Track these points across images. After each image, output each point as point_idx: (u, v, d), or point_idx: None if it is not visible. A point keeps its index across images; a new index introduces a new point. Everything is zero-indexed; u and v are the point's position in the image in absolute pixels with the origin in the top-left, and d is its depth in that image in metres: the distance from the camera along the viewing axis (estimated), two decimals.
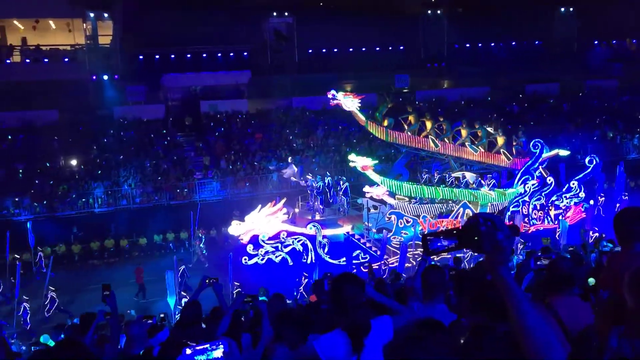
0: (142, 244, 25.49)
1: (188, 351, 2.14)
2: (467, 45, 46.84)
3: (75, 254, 24.84)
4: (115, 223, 25.90)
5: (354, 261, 20.41)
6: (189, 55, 38.02)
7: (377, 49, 44.28)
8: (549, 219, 23.31)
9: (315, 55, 42.91)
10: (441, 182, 22.60)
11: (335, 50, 43.26)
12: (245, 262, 20.39)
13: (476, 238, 2.06)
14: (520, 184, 22.80)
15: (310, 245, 21.06)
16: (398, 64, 43.03)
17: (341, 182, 23.94)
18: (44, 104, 31.92)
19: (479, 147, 22.94)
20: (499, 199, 22.87)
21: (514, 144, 24.48)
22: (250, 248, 20.60)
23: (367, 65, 41.13)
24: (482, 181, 23.15)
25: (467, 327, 3.69)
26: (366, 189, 22.27)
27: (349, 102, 22.07)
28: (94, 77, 35.16)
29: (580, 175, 24.08)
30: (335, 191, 23.98)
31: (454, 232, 2.16)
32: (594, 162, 24.04)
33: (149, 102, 35.57)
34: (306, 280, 18.07)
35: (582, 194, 23.68)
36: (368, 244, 21.53)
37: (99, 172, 28.28)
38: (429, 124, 23.11)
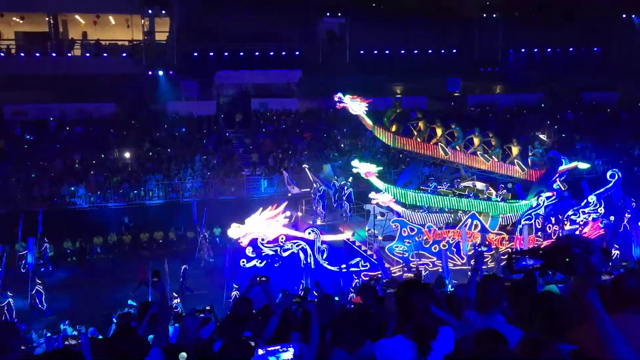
0: (190, 237, 25.92)
1: (260, 352, 2.17)
2: (523, 50, 45.79)
3: (125, 244, 25.57)
4: (165, 216, 26.45)
5: (352, 269, 20.02)
6: (242, 53, 38.42)
7: (430, 51, 43.78)
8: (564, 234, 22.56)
9: (366, 57, 42.73)
10: (449, 191, 21.97)
11: (387, 52, 42.95)
12: (244, 265, 20.03)
13: (567, 260, 2.04)
14: (534, 196, 21.98)
15: (309, 251, 20.52)
16: (450, 67, 42.42)
17: (345, 188, 23.11)
18: (101, 97, 32.93)
19: (492, 156, 22.13)
20: (510, 211, 22.12)
21: (530, 154, 23.62)
22: (249, 251, 20.13)
23: (419, 68, 40.77)
24: (494, 192, 22.40)
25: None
26: (372, 195, 21.53)
27: (356, 106, 21.60)
28: (150, 73, 36.03)
29: (601, 190, 22.81)
30: (339, 197, 23.23)
31: (540, 251, 2.16)
32: (616, 177, 22.70)
33: (201, 98, 36.19)
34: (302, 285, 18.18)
35: (601, 209, 22.49)
36: (369, 252, 20.77)
37: (151, 165, 28.98)
38: (439, 131, 22.15)
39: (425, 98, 38.63)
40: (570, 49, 46.70)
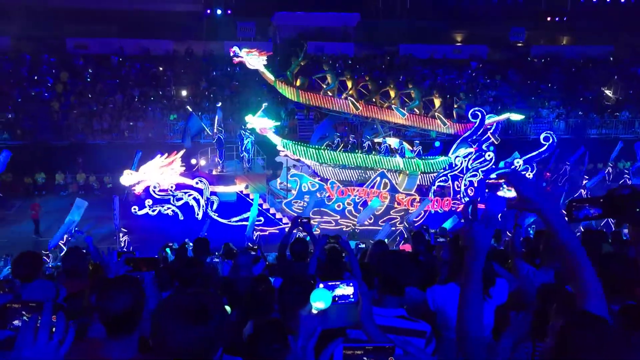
0: None
1: (321, 286, 2.20)
2: None
3: None
4: None
5: (244, 222, 18.78)
6: None
7: None
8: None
9: (427, 1, 41.34)
10: (355, 147, 20.56)
11: None
12: (135, 212, 19.27)
13: (638, 210, 1.99)
14: (453, 153, 20.65)
15: (202, 201, 19.80)
16: (514, 16, 40.60)
17: (244, 138, 21.34)
18: (160, 33, 33.19)
19: (415, 109, 20.71)
20: (424, 168, 20.66)
21: (455, 106, 22.20)
22: (147, 200, 19.37)
23: (482, 15, 39.25)
24: (410, 147, 20.79)
25: None
26: (279, 147, 20.38)
27: (254, 60, 20.20)
28: (209, 11, 35.98)
29: (533, 154, 21.25)
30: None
31: (601, 200, 2.11)
32: (550, 140, 21.19)
33: (257, 39, 36.00)
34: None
35: (529, 174, 20.58)
36: (265, 205, 19.87)
37: (207, 104, 29.32)
38: (349, 84, 20.72)
39: (487, 47, 37.37)
40: None
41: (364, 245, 14.15)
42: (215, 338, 2.00)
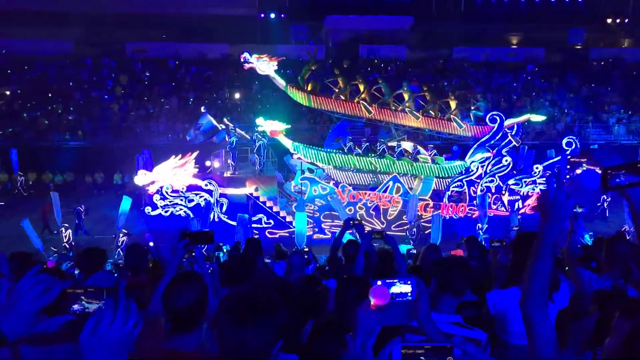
0: None
1: (379, 282, 2.21)
2: None
3: None
4: None
5: (254, 225, 18.97)
6: None
7: None
8: (502, 205, 20.08)
9: (483, 3, 40.68)
10: (368, 151, 20.05)
11: None
12: (148, 213, 19.44)
13: None
14: (469, 158, 19.84)
15: (213, 203, 19.76)
16: (573, 17, 39.48)
17: (256, 141, 21.30)
18: (216, 37, 33.86)
19: (431, 111, 20.06)
20: (439, 173, 20.00)
21: (472, 108, 21.28)
22: (157, 198, 19.46)
23: (539, 17, 38.34)
24: (425, 152, 20.17)
25: None
26: (291, 150, 20.20)
27: (264, 66, 20.13)
28: (263, 15, 36.47)
29: (555, 159, 20.42)
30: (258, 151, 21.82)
31: (639, 165, 1.99)
32: (573, 145, 20.26)
33: (310, 42, 36.26)
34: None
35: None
36: (276, 208, 19.76)
37: (259, 106, 29.69)
38: (362, 87, 20.25)
39: (544, 49, 36.44)
40: None
41: (415, 251, 14.02)
42: (271, 335, 2.04)
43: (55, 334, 1.81)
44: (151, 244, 14.95)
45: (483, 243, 10.88)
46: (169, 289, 2.76)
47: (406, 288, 2.24)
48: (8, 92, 29.71)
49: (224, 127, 22.47)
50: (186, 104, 30.01)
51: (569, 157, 20.99)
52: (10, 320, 1.73)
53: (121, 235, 17.58)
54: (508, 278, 3.97)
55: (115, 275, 6.67)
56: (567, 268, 5.25)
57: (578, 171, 21.36)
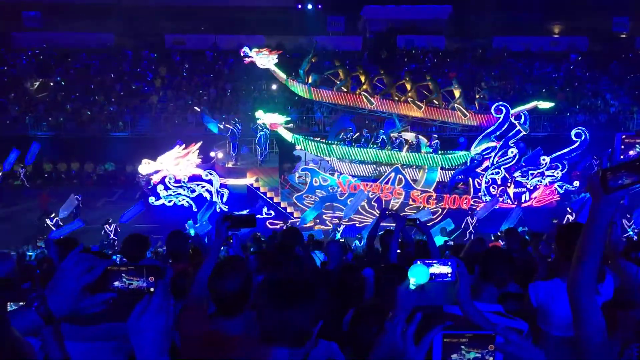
0: None
1: (419, 262, 2.21)
2: None
3: None
4: None
5: (257, 215, 18.87)
6: None
7: None
8: (508, 197, 19.50)
9: None
10: (369, 142, 19.74)
11: None
12: (152, 203, 19.59)
13: None
14: (475, 148, 19.35)
15: (214, 193, 19.79)
16: (617, 5, 38.23)
17: (258, 130, 21.01)
18: (253, 28, 34.04)
19: (435, 101, 19.48)
20: (442, 163, 19.57)
21: (477, 97, 20.62)
22: (160, 188, 19.65)
23: (581, 5, 37.25)
24: (427, 142, 19.81)
25: None
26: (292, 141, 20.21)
27: (264, 60, 20.01)
28: (299, 6, 36.48)
29: (563, 151, 19.66)
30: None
31: (638, 163, 1.90)
32: (582, 137, 19.31)
33: (347, 33, 36.13)
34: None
35: (557, 173, 19.37)
36: (276, 199, 19.83)
37: (296, 98, 29.73)
38: (362, 78, 19.82)
39: (587, 39, 35.50)
40: None
41: (452, 243, 13.93)
42: (310, 317, 2.06)
43: (94, 314, 1.86)
44: (192, 231, 15.24)
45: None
46: (216, 273, 2.83)
47: (446, 269, 2.24)
48: (52, 84, 30.50)
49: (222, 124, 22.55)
50: (224, 95, 30.27)
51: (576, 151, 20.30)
52: (55, 298, 1.77)
53: (108, 226, 17.79)
54: (550, 270, 3.93)
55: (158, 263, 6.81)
56: (609, 261, 5.16)
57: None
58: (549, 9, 37.14)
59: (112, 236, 17.54)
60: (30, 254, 15.04)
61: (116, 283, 1.81)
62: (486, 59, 34.52)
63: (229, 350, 2.44)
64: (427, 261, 2.23)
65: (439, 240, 14.29)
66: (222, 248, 5.03)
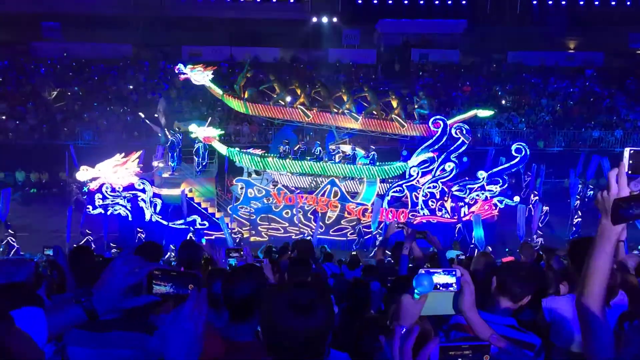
0: None
1: (422, 271, 2.22)
2: None
3: None
4: None
5: (191, 227, 18.91)
6: (406, 1, 37.69)
7: (612, 1, 39.64)
8: (446, 211, 19.27)
9: (539, 6, 39.78)
10: (304, 154, 19.71)
11: (563, 1, 39.58)
12: (89, 212, 19.18)
13: None
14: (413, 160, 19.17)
15: (148, 202, 19.50)
16: (634, 21, 38.05)
17: (197, 141, 20.28)
18: (268, 41, 34.32)
19: (374, 112, 19.47)
20: (380, 175, 19.37)
21: (415, 106, 20.46)
22: (98, 197, 19.23)
23: (598, 20, 37.16)
24: (365, 154, 19.75)
25: None
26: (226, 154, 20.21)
27: (199, 76, 19.75)
28: (314, 19, 36.73)
29: (503, 167, 19.46)
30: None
31: None
32: (523, 152, 19.04)
33: (362, 46, 36.30)
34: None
35: (496, 188, 19.10)
36: (211, 209, 19.69)
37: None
38: (299, 91, 19.94)
39: (603, 54, 35.33)
40: None
41: (464, 257, 13.84)
42: (322, 331, 2.06)
43: (107, 321, 1.87)
44: (203, 241, 15.27)
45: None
46: (228, 281, 2.86)
47: (450, 279, 2.25)
48: (69, 94, 30.89)
49: (160, 129, 22.39)
50: None
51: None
52: (100, 296, 1.83)
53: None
54: (558, 285, 3.91)
55: None
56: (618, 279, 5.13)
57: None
58: (564, 24, 37.05)
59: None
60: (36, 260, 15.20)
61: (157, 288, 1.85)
62: (501, 74, 34.47)
63: (240, 356, 2.45)
64: (431, 270, 2.24)
65: (452, 254, 14.24)
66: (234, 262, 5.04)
